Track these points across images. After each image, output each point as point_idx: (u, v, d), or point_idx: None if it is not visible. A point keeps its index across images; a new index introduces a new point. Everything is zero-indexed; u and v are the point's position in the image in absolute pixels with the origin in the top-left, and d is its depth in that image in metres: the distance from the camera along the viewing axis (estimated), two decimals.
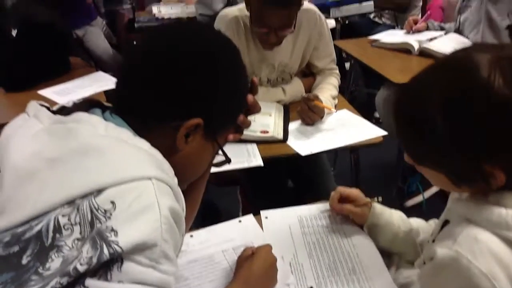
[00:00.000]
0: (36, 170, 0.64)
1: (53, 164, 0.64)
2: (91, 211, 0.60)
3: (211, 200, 2.43)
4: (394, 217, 1.06)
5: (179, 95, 0.74)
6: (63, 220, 0.60)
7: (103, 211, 0.60)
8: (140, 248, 0.60)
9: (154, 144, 0.72)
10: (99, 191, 0.61)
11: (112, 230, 0.59)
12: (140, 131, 0.73)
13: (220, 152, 0.84)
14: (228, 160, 0.86)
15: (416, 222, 1.06)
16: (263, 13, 1.53)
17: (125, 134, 0.70)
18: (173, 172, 0.72)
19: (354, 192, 1.11)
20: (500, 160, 0.68)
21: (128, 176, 0.63)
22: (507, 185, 0.71)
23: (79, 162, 0.64)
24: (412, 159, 0.79)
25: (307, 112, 1.63)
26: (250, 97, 0.87)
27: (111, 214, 0.60)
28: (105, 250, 0.58)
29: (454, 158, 0.72)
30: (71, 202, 0.61)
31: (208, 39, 0.79)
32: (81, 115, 0.71)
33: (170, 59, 0.74)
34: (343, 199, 1.11)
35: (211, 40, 0.79)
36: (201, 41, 0.77)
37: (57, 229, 0.60)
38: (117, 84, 0.79)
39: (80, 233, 0.60)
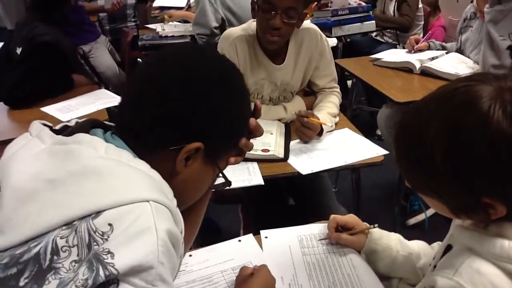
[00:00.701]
0: (36, 191, 0.64)
1: (52, 185, 0.64)
2: (89, 234, 0.60)
3: (212, 218, 2.42)
4: (392, 241, 1.04)
5: (180, 120, 0.74)
6: (61, 242, 0.60)
7: (100, 233, 0.60)
8: (136, 270, 0.60)
9: (154, 166, 0.72)
10: (97, 213, 0.62)
11: (109, 252, 0.60)
12: (141, 153, 0.73)
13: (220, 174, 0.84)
14: (228, 183, 0.86)
15: (418, 246, 1.04)
16: None
17: (125, 156, 0.70)
18: (172, 194, 0.72)
19: (350, 219, 1.10)
20: (500, 193, 0.68)
21: (126, 198, 0.63)
22: (508, 216, 0.70)
23: (78, 184, 0.64)
24: (411, 187, 0.79)
25: (302, 128, 1.64)
26: (252, 120, 0.87)
27: (108, 237, 0.60)
28: (101, 272, 0.58)
29: (453, 191, 0.71)
30: (69, 224, 0.61)
31: (210, 64, 0.80)
32: (82, 136, 0.72)
33: (171, 85, 0.75)
34: (341, 226, 1.11)
35: (214, 65, 0.80)
36: (203, 66, 0.78)
37: (55, 251, 0.60)
38: (120, 107, 0.80)
39: (78, 255, 0.60)
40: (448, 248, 0.81)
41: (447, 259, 0.77)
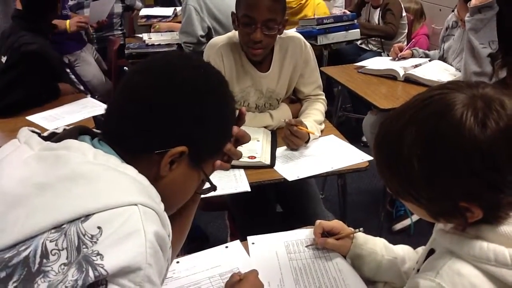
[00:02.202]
0: (25, 195, 0.65)
1: (41, 190, 0.65)
2: (78, 237, 0.61)
3: (199, 225, 2.42)
4: (377, 246, 1.06)
5: (164, 125, 0.76)
6: (50, 245, 0.61)
7: (90, 236, 0.61)
8: (125, 271, 0.61)
9: (141, 171, 0.73)
10: (87, 217, 0.62)
11: (98, 254, 0.60)
12: (128, 158, 0.74)
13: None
14: (213, 188, 0.87)
15: (403, 250, 1.06)
16: (248, 3, 1.58)
17: (113, 161, 0.71)
18: (159, 198, 0.73)
19: (336, 224, 1.12)
20: (476, 197, 0.69)
21: (114, 202, 0.64)
22: (485, 219, 0.71)
23: (67, 188, 0.65)
24: (392, 193, 0.81)
25: (290, 137, 1.66)
26: (236, 128, 0.88)
27: (97, 239, 0.61)
28: (91, 273, 0.59)
29: (431, 196, 0.73)
30: (58, 227, 0.62)
31: (195, 70, 0.81)
32: (71, 142, 0.73)
33: (156, 91, 0.76)
34: (327, 232, 1.12)
35: (198, 71, 0.81)
36: (188, 73, 0.79)
37: (45, 254, 0.61)
38: (106, 114, 0.81)
39: (67, 258, 0.60)
40: (431, 252, 0.82)
41: (429, 262, 0.79)
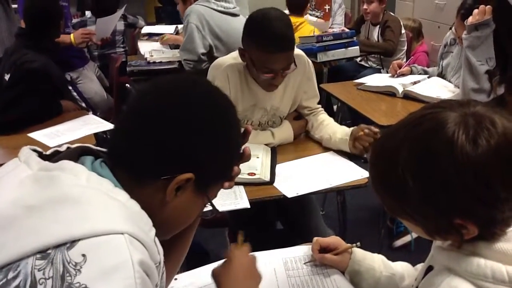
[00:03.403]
0: (14, 218, 0.64)
1: (30, 212, 0.64)
2: (63, 265, 0.60)
3: (199, 242, 2.41)
4: (376, 262, 1.06)
5: (172, 151, 0.75)
6: (38, 275, 0.60)
7: (73, 264, 0.60)
8: None
9: (145, 196, 0.73)
10: (72, 243, 0.62)
11: None
12: (132, 183, 0.73)
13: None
14: (216, 212, 0.86)
15: (402, 267, 1.05)
16: (269, 60, 1.61)
17: (106, 185, 0.70)
18: (150, 225, 0.72)
19: (333, 240, 1.12)
20: (470, 214, 0.70)
21: (101, 229, 0.63)
22: (480, 235, 0.72)
23: (54, 211, 0.64)
24: (388, 210, 0.81)
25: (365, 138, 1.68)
26: (247, 149, 0.89)
27: (81, 267, 0.60)
28: None
29: (426, 213, 0.74)
30: (44, 252, 0.61)
31: (204, 96, 0.81)
32: (66, 164, 0.72)
33: (165, 117, 0.76)
34: (324, 248, 1.12)
35: (207, 97, 0.81)
36: (197, 98, 0.79)
37: (33, 284, 0.60)
38: (112, 136, 0.80)
39: (52, 287, 0.59)
40: (429, 269, 0.82)
41: (427, 279, 0.79)
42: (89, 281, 0.60)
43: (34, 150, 0.78)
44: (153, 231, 0.72)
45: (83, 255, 0.61)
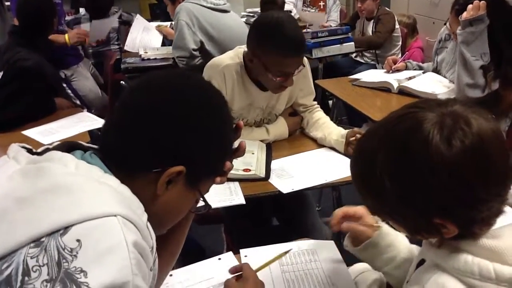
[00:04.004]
0: (5, 211, 0.64)
1: (21, 204, 0.65)
2: (58, 251, 0.61)
3: (195, 238, 2.41)
4: (398, 240, 1.02)
5: (164, 145, 0.75)
6: (31, 262, 0.60)
7: (69, 249, 0.61)
8: (114, 287, 0.61)
9: (136, 189, 0.73)
10: (66, 229, 0.62)
11: (82, 271, 0.60)
12: (123, 176, 0.73)
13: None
14: (208, 207, 0.86)
15: (418, 250, 1.02)
16: (286, 64, 1.61)
17: (95, 172, 0.71)
18: (143, 209, 0.72)
19: (361, 210, 1.05)
20: (449, 213, 0.70)
21: (93, 213, 0.64)
22: (461, 234, 0.72)
23: (46, 201, 0.64)
24: (369, 210, 0.81)
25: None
26: (243, 143, 0.89)
27: (77, 253, 0.61)
28: None
29: (404, 213, 0.74)
30: (37, 241, 0.61)
31: (195, 90, 0.81)
32: (53, 154, 0.72)
33: (156, 111, 0.76)
34: (347, 218, 1.06)
35: (199, 91, 0.81)
36: (188, 93, 0.79)
37: (26, 271, 0.60)
38: (103, 131, 0.80)
39: (48, 274, 0.60)
40: (422, 262, 0.82)
41: (417, 274, 0.79)
42: (84, 264, 0.60)
43: (24, 147, 0.78)
44: (146, 215, 0.72)
45: (78, 240, 0.61)
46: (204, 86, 0.84)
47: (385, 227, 1.05)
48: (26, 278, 0.60)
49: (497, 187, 0.69)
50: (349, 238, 1.07)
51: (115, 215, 0.65)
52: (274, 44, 1.58)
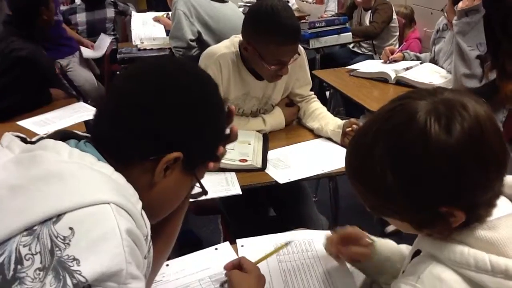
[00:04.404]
0: None
1: (14, 192, 0.64)
2: (51, 239, 0.60)
3: (192, 229, 2.42)
4: (393, 243, 1.03)
5: (158, 131, 0.75)
6: (24, 250, 0.60)
7: (62, 237, 0.60)
8: (107, 276, 0.61)
9: (132, 178, 0.72)
10: (58, 217, 0.61)
11: (74, 259, 0.59)
12: (118, 165, 0.73)
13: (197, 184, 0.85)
14: (205, 193, 0.86)
15: (407, 249, 1.03)
16: (282, 52, 1.61)
17: (88, 159, 0.70)
18: (137, 197, 0.72)
19: (355, 231, 1.04)
20: (454, 200, 0.69)
21: (86, 200, 0.63)
22: (467, 221, 0.71)
23: (39, 189, 0.64)
24: (370, 209, 0.79)
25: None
26: (235, 127, 0.89)
27: (70, 241, 0.60)
28: (68, 281, 0.58)
29: (410, 208, 0.73)
30: (30, 229, 0.61)
31: (187, 75, 0.80)
32: (46, 142, 0.72)
33: (148, 97, 0.75)
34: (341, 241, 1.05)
35: (190, 76, 0.81)
36: (180, 77, 0.79)
37: (19, 260, 0.60)
38: (96, 120, 0.80)
39: (41, 262, 0.59)
40: (417, 252, 0.82)
41: (412, 265, 0.79)
42: (77, 252, 0.60)
43: (17, 136, 0.77)
44: (140, 203, 0.72)
45: (71, 228, 0.61)
46: (194, 71, 0.83)
47: (379, 240, 1.03)
48: (19, 267, 0.59)
49: (497, 166, 0.70)
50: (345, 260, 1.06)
51: (108, 203, 0.64)
52: (269, 32, 1.58)
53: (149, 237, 0.73)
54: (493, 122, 0.70)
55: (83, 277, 0.59)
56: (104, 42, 3.62)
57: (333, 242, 1.06)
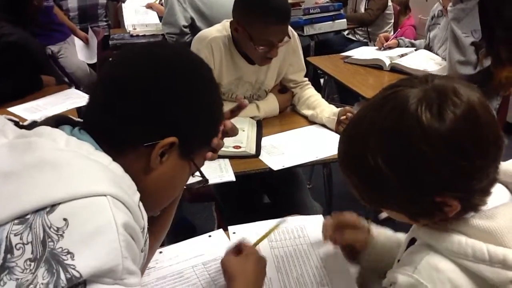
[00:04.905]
0: None
1: (7, 179, 0.62)
2: (44, 229, 0.58)
3: (186, 216, 2.41)
4: (388, 231, 1.03)
5: (151, 116, 0.73)
6: (15, 240, 0.58)
7: (55, 229, 0.58)
8: (103, 271, 0.59)
9: (128, 165, 0.71)
10: (52, 207, 0.59)
11: (68, 252, 0.57)
12: (113, 152, 0.71)
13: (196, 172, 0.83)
14: (205, 181, 0.84)
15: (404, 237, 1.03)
16: (270, 32, 1.60)
17: (86, 148, 0.68)
18: (135, 188, 0.71)
19: (352, 217, 1.04)
20: (449, 188, 0.69)
21: (82, 191, 0.61)
22: (464, 210, 0.71)
23: (32, 176, 0.62)
24: (366, 202, 0.78)
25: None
26: (227, 123, 0.88)
27: (63, 232, 0.58)
28: (62, 275, 0.56)
29: (406, 197, 0.72)
30: (22, 217, 0.59)
31: (177, 57, 0.79)
32: (43, 129, 0.70)
33: (140, 81, 0.74)
34: (338, 227, 1.04)
35: (181, 59, 0.79)
36: (170, 60, 0.77)
37: (9, 249, 0.58)
38: (88, 108, 0.78)
39: (32, 252, 0.57)
40: (413, 241, 0.81)
41: (408, 254, 0.78)
42: (71, 245, 0.58)
43: (9, 119, 0.75)
44: (138, 195, 0.70)
45: (65, 219, 0.59)
46: (186, 54, 0.82)
47: (378, 235, 1.02)
48: (9, 256, 0.57)
49: (493, 152, 0.69)
50: (343, 251, 1.05)
51: (105, 195, 0.62)
52: (257, 11, 1.58)
53: (145, 229, 0.72)
54: (487, 108, 0.69)
55: (78, 271, 0.57)
56: (93, 42, 3.55)
57: (329, 227, 1.05)
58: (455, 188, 0.69)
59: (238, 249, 0.94)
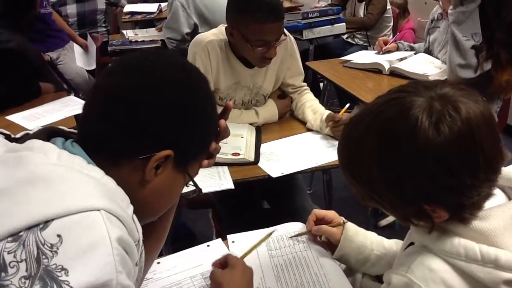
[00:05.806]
0: None
1: None
2: (37, 247, 0.58)
3: (186, 223, 2.40)
4: (368, 239, 1.05)
5: (147, 128, 0.72)
6: (8, 258, 0.57)
7: (49, 245, 0.58)
8: (97, 286, 0.58)
9: (122, 177, 0.70)
10: (46, 223, 0.59)
11: (63, 269, 0.57)
12: (107, 164, 0.70)
13: (191, 182, 0.82)
14: (199, 191, 0.84)
15: (397, 245, 1.04)
16: (264, 31, 1.59)
17: (78, 162, 0.67)
18: (128, 201, 0.70)
19: (330, 213, 1.11)
20: (438, 200, 0.69)
21: (75, 206, 0.60)
22: (452, 217, 0.71)
23: (25, 192, 0.61)
24: (357, 198, 0.80)
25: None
26: (222, 122, 0.86)
27: (57, 249, 0.57)
28: None
29: (393, 202, 0.73)
30: (15, 235, 0.58)
31: (174, 68, 0.78)
32: (34, 142, 0.69)
33: (136, 93, 0.72)
34: (320, 221, 1.12)
35: (178, 70, 0.78)
36: (167, 71, 0.76)
37: (3, 267, 0.57)
38: (83, 119, 0.76)
39: (26, 270, 0.57)
40: (410, 245, 0.82)
41: (403, 256, 0.79)
42: (65, 261, 0.57)
43: (1, 133, 0.74)
44: (131, 208, 0.70)
45: (58, 236, 0.58)
46: (182, 64, 0.80)
47: (352, 228, 1.07)
48: (3, 274, 0.56)
49: (487, 173, 0.68)
50: (325, 245, 1.11)
51: (98, 210, 0.62)
52: (250, 11, 1.57)
53: (140, 242, 0.71)
54: (490, 125, 0.69)
55: (71, 287, 0.56)
56: (92, 48, 3.56)
57: (310, 221, 1.12)
58: (442, 201, 0.69)
59: (225, 261, 0.96)
